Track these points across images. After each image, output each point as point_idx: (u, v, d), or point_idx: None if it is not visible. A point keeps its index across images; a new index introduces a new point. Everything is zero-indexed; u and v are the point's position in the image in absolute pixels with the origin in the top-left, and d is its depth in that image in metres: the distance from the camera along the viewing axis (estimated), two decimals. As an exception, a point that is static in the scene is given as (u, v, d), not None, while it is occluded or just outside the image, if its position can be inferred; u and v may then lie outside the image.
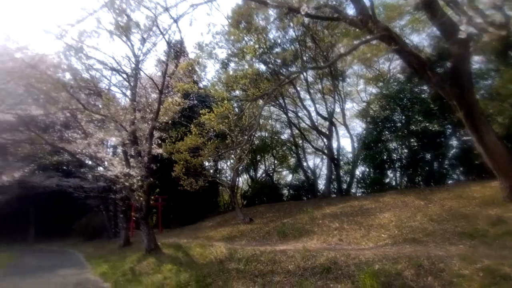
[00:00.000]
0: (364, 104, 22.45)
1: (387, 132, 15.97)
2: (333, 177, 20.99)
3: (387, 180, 17.68)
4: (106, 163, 13.75)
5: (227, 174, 37.61)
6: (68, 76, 13.03)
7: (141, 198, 12.16)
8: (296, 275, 6.14)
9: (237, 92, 21.78)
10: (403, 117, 15.62)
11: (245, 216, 15.20)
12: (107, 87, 14.91)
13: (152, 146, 12.96)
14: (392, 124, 15.73)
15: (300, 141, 25.67)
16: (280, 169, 34.59)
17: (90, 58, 12.10)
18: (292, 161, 32.36)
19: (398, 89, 15.69)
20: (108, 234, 23.15)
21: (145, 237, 12.18)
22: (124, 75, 13.27)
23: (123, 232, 16.90)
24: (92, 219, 25.38)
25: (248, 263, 7.61)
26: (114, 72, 13.88)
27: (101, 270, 10.11)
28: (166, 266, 9.46)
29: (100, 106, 13.94)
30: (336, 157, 20.28)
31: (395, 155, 16.41)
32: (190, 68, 19.27)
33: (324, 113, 20.65)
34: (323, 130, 23.03)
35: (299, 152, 25.19)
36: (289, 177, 35.14)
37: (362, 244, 7.41)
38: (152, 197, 12.69)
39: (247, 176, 38.49)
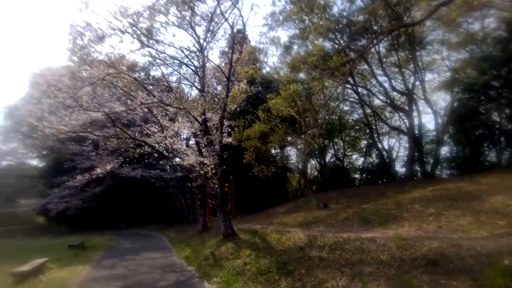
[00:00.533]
0: (448, 73, 19.55)
1: (484, 103, 13.49)
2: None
3: (484, 159, 15.14)
4: (181, 154, 14.38)
5: (294, 161, 37.35)
6: (142, 75, 13.94)
7: (215, 186, 12.45)
8: (392, 266, 5.40)
9: (302, 75, 20.95)
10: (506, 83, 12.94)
11: (318, 202, 14.57)
12: (177, 82, 15.50)
13: (223, 135, 13.09)
14: (493, 92, 13.12)
15: (373, 121, 23.70)
16: (349, 153, 32.81)
17: (162, 53, 12.71)
18: (362, 143, 30.40)
19: (501, 47, 12.94)
20: (187, 220, 24.78)
21: (221, 223, 12.49)
22: (193, 67, 13.62)
23: (201, 219, 17.79)
24: (173, 206, 27.47)
25: (332, 251, 7.07)
26: (182, 66, 14.32)
27: (185, 254, 10.65)
28: (244, 251, 9.46)
29: (173, 99, 14.62)
30: (417, 135, 18.15)
31: (496, 129, 13.85)
32: (253, 55, 19.11)
33: (401, 88, 18.57)
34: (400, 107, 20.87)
35: (373, 132, 23.22)
36: (360, 161, 33.25)
37: (472, 232, 6.23)
38: (226, 185, 12.90)
39: (315, 161, 37.67)
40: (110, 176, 27.53)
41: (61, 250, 13.85)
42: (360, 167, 31.66)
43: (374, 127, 23.13)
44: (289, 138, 16.80)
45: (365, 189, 18.14)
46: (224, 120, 13.42)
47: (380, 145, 23.87)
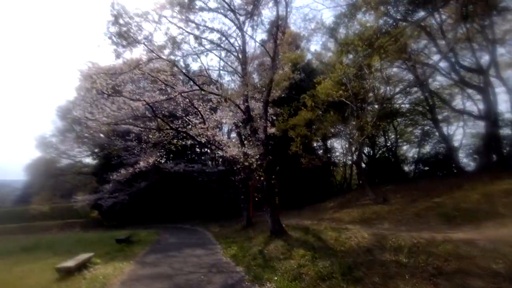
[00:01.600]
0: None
1: None
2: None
3: None
4: (223, 145, 13.62)
5: (337, 153, 35.23)
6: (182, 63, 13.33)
7: (261, 178, 11.45)
8: (515, 281, 3.95)
9: (350, 57, 19.11)
10: None
11: (376, 195, 12.97)
12: (218, 70, 14.73)
13: (267, 122, 12.04)
14: None
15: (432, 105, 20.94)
16: (401, 143, 30.01)
17: (201, 38, 11.96)
18: (417, 131, 27.49)
19: None
20: (230, 214, 24.26)
21: (269, 218, 11.48)
22: (234, 52, 12.69)
23: (245, 213, 16.99)
24: (215, 201, 27.21)
25: (413, 255, 5.69)
26: (222, 53, 13.47)
27: (231, 251, 9.82)
28: (297, 251, 8.36)
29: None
30: (494, 119, 15.54)
31: None
32: (295, 40, 17.70)
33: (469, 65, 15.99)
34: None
35: (435, 116, 20.46)
36: (411, 152, 30.36)
37: None
38: (273, 177, 11.85)
39: (362, 153, 35.18)
40: (154, 171, 28.07)
41: (109, 243, 13.84)
42: (415, 158, 28.87)
43: (433, 112, 20.37)
44: (339, 126, 15.29)
45: (424, 181, 16.06)
46: (268, 107, 12.33)
47: (440, 132, 21.06)
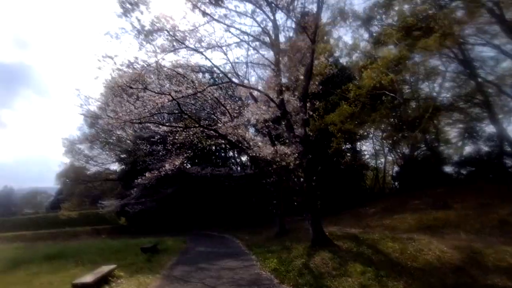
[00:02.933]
0: None
1: None
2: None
3: None
4: (254, 145, 12.38)
5: (367, 156, 33.08)
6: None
7: (301, 179, 10.07)
8: None
9: (390, 48, 17.44)
10: None
11: (434, 199, 11.18)
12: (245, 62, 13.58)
13: (306, 115, 10.68)
14: None
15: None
16: (443, 142, 27.40)
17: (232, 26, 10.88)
18: (460, 129, 24.90)
19: None
20: (259, 221, 22.94)
21: (310, 226, 10.04)
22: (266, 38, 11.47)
23: (277, 220, 15.60)
24: (243, 206, 25.99)
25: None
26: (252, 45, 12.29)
27: (270, 264, 8.46)
28: (353, 266, 6.89)
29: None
30: None
31: None
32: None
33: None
34: None
35: (492, 111, 18.01)
36: (453, 152, 27.78)
37: None
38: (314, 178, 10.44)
39: (393, 155, 32.87)
40: (180, 177, 27.39)
41: (135, 252, 12.93)
42: (460, 158, 26.29)
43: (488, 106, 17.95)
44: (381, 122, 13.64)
45: (479, 184, 14.01)
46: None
47: (499, 128, 18.51)
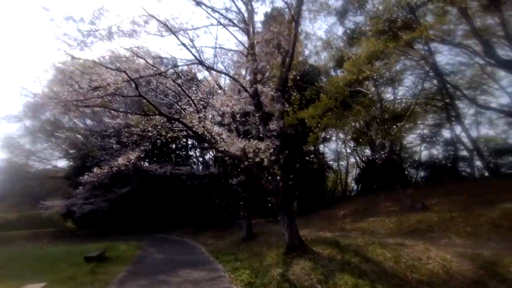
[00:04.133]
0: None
1: None
2: None
3: None
4: (223, 139, 11.05)
5: (329, 158, 33.27)
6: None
7: (277, 178, 8.94)
8: None
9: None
10: None
11: (413, 201, 10.70)
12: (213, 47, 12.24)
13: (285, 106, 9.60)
14: None
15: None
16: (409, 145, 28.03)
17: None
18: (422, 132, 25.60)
19: None
20: (222, 223, 21.52)
21: (285, 230, 8.94)
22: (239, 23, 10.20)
23: (244, 223, 14.34)
24: (205, 208, 24.40)
25: None
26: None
27: (243, 277, 7.18)
28: (341, 277, 5.90)
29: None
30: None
31: None
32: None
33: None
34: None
35: (450, 114, 18.41)
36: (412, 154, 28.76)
37: None
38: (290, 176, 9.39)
39: (356, 157, 33.43)
40: (137, 175, 25.09)
41: (77, 262, 10.91)
42: (419, 161, 27.13)
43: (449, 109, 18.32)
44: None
45: (453, 186, 13.99)
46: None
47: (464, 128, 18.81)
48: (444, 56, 16.10)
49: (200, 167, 27.42)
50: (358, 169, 33.76)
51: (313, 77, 21.53)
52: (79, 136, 30.61)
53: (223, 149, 10.22)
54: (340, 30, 18.78)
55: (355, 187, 35.22)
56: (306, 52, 23.18)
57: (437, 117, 21.80)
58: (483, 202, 8.97)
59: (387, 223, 9.86)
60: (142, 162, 21.66)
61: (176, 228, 26.59)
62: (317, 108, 11.23)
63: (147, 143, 10.97)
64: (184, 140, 34.31)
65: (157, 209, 29.24)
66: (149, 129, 10.32)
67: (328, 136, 31.50)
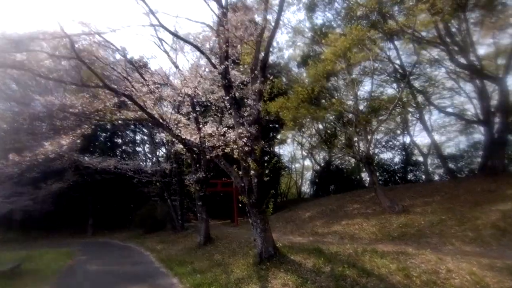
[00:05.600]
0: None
1: None
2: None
3: None
4: (182, 126, 9.20)
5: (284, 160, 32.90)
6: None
7: (251, 172, 7.41)
8: None
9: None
10: None
11: (392, 202, 9.91)
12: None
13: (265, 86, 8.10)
14: None
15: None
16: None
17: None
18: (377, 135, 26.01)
19: None
20: (173, 226, 19.33)
21: (258, 235, 7.43)
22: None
23: (202, 226, 12.51)
24: (153, 208, 21.85)
25: None
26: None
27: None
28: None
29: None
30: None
31: None
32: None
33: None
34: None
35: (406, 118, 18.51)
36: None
37: None
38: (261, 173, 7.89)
39: (312, 160, 33.45)
40: (74, 170, 21.70)
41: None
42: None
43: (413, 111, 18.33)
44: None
45: (417, 188, 13.77)
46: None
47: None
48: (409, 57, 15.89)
49: (149, 164, 24.77)
50: (313, 171, 33.90)
51: (279, 71, 20.54)
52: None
53: (184, 137, 8.45)
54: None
55: (309, 189, 35.38)
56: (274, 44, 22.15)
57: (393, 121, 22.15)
58: (466, 204, 8.48)
59: (367, 227, 8.92)
60: (82, 156, 18.53)
61: (119, 230, 23.60)
62: (292, 99, 10.02)
63: (86, 127, 8.63)
64: (132, 134, 31.23)
65: (98, 209, 25.88)
66: (91, 110, 8.11)
67: (284, 138, 31.16)
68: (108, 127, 27.24)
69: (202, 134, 7.90)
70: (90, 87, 7.44)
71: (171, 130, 8.14)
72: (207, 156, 7.81)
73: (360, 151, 10.77)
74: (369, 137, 10.73)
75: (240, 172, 7.67)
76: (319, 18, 17.84)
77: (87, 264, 10.79)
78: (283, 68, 22.77)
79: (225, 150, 7.67)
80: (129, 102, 8.79)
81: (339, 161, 31.45)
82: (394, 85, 17.33)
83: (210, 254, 10.23)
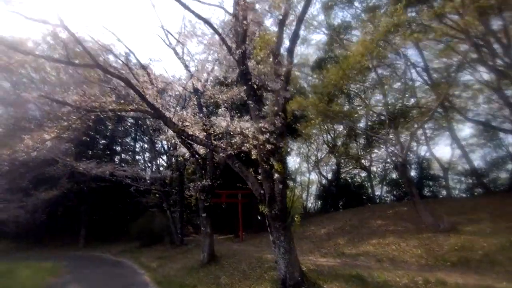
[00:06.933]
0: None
1: None
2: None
3: None
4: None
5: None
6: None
7: (273, 177, 5.95)
8: None
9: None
10: None
11: (436, 219, 8.36)
12: None
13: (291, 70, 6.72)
14: None
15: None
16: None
17: None
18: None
19: None
20: (171, 240, 17.65)
21: (281, 256, 5.88)
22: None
23: (206, 241, 10.90)
24: (151, 220, 20.15)
25: None
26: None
27: None
28: None
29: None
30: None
31: None
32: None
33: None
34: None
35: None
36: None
37: None
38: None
39: (318, 174, 31.83)
40: (67, 177, 20.23)
41: None
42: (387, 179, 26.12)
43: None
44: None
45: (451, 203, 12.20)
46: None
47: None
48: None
49: (149, 172, 23.25)
50: (319, 185, 32.26)
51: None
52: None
53: (191, 133, 7.03)
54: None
55: (315, 204, 33.62)
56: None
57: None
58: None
59: (407, 248, 7.36)
60: (75, 162, 17.04)
61: (113, 243, 21.83)
62: (324, 85, 8.64)
63: (75, 118, 7.20)
64: (132, 142, 29.84)
65: (92, 219, 24.23)
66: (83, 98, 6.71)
67: (288, 150, 29.73)
68: (108, 134, 26.04)
69: (212, 129, 6.51)
70: (79, 66, 6.08)
71: (175, 125, 6.72)
72: (221, 155, 6.32)
73: (399, 155, 9.24)
74: (402, 139, 9.26)
75: (259, 177, 6.21)
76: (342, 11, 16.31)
77: (71, 283, 9.17)
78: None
79: (242, 149, 6.22)
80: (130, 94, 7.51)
81: (347, 175, 29.96)
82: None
83: (216, 276, 8.61)
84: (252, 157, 6.39)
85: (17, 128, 17.30)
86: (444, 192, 20.09)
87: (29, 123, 15.91)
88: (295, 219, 6.22)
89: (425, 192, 22.24)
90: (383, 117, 10.22)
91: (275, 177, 5.92)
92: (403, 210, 12.08)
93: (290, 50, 6.54)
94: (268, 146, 5.93)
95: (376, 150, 21.60)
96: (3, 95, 19.75)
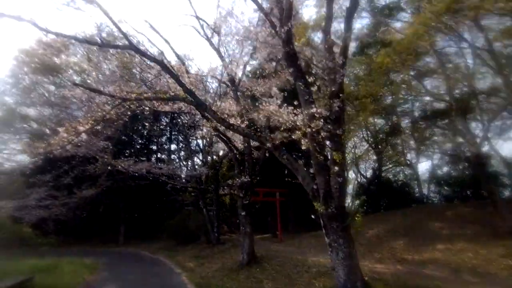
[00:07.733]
0: None
1: None
2: None
3: None
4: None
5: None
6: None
7: (329, 169, 5.13)
8: None
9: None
10: None
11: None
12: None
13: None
14: None
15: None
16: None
17: None
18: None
19: None
20: (208, 239, 17.28)
21: (340, 262, 5.04)
22: None
23: (246, 241, 10.28)
24: (187, 218, 19.98)
25: None
26: None
27: None
28: None
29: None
30: None
31: None
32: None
33: None
34: None
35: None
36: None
37: None
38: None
39: (357, 172, 30.05)
40: (106, 175, 20.68)
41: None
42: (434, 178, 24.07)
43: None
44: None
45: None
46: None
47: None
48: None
49: (184, 170, 23.26)
50: (357, 184, 30.60)
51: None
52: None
53: (231, 123, 6.39)
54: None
55: (351, 204, 31.91)
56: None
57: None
58: None
59: (490, 256, 6.18)
60: (114, 160, 17.25)
61: (150, 240, 21.99)
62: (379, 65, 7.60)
63: (108, 109, 6.87)
64: (167, 143, 30.24)
65: (130, 217, 24.69)
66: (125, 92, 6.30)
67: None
68: (145, 133, 26.55)
69: (257, 116, 5.82)
70: (113, 47, 5.66)
71: (215, 113, 6.11)
72: (267, 145, 5.60)
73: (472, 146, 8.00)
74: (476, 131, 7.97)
75: (311, 170, 5.41)
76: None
77: (109, 280, 8.96)
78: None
79: (291, 138, 5.45)
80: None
81: (388, 173, 28.07)
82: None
83: (258, 279, 7.93)
84: (302, 147, 5.59)
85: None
86: (506, 193, 17.94)
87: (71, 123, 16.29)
88: (356, 218, 5.26)
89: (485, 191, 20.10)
90: (442, 106, 8.95)
91: (333, 169, 5.07)
92: (466, 211, 10.65)
93: (349, 17, 5.62)
94: (323, 134, 5.11)
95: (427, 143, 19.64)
96: (48, 96, 20.80)
